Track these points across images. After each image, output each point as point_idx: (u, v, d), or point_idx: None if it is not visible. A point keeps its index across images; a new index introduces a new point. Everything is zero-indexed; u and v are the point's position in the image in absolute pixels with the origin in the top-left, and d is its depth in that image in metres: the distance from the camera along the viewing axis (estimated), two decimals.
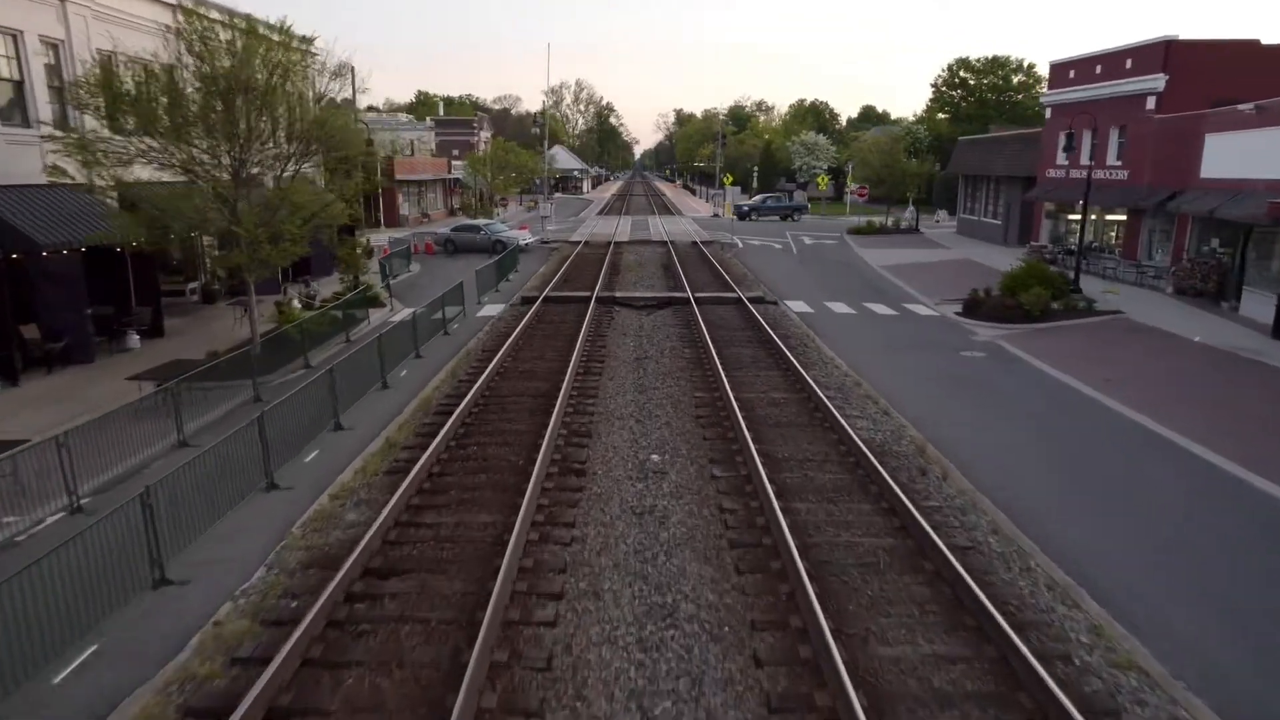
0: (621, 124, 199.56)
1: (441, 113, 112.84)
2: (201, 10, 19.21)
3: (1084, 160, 35.41)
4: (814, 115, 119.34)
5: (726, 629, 8.32)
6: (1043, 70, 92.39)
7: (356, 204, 24.82)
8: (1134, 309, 26.28)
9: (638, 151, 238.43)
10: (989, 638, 8.04)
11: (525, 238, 43.63)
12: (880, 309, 27.03)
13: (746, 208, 67.29)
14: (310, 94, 21.37)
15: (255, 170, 20.35)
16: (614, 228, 54.54)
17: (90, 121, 18.50)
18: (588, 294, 27.06)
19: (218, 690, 7.33)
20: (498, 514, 10.80)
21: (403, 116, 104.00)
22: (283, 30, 19.80)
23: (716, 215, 69.23)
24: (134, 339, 21.58)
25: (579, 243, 44.85)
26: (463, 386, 17.06)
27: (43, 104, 19.72)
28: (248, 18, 19.63)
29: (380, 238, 47.88)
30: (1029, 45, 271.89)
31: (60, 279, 19.60)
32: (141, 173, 18.89)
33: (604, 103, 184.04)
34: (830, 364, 19.15)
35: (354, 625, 8.29)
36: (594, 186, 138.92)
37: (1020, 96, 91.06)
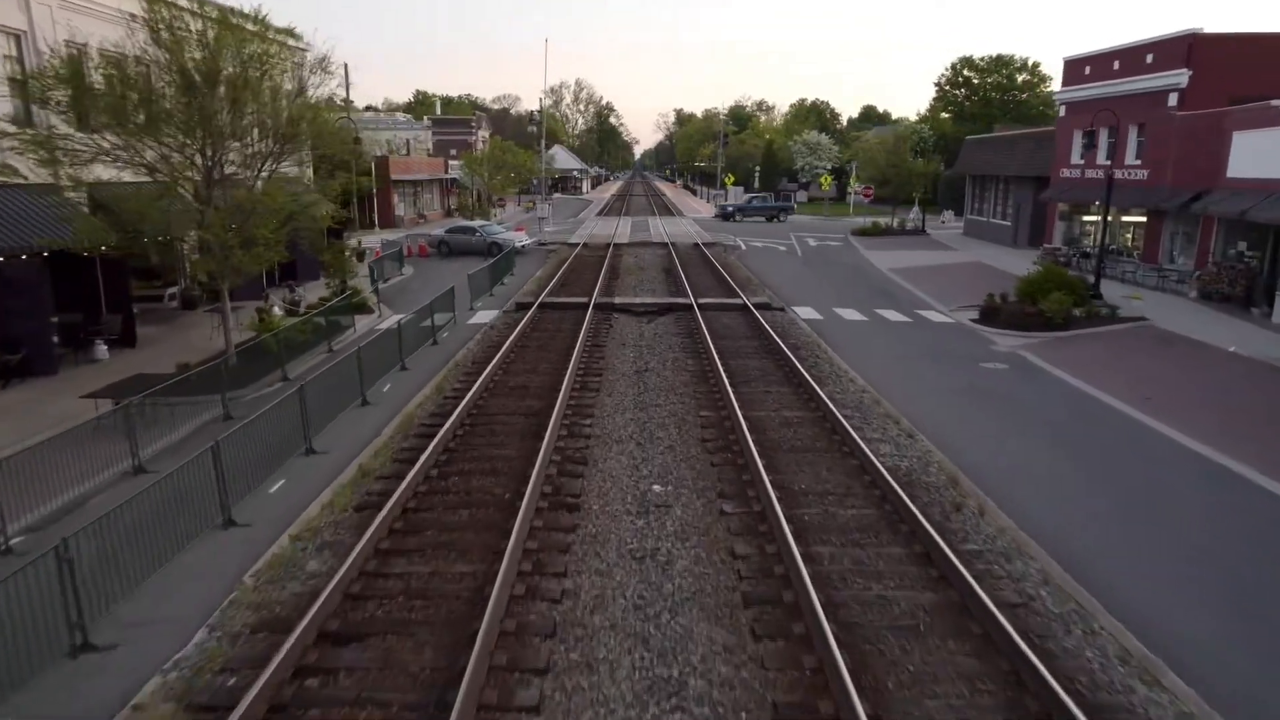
0: (621, 124, 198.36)
1: (439, 112, 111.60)
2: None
3: (1101, 159, 34.16)
4: (815, 115, 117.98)
5: (744, 715, 7.00)
6: (1048, 69, 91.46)
7: (341, 206, 23.59)
8: (1159, 315, 24.97)
9: (638, 151, 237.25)
10: None
11: (522, 240, 42.33)
12: (892, 315, 25.72)
13: (731, 208, 65.61)
14: (289, 89, 20.06)
15: (232, 170, 19.09)
16: (613, 229, 53.23)
17: (53, 117, 17.20)
18: (585, 300, 25.75)
19: None
20: (478, 562, 9.49)
21: (400, 116, 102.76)
22: (258, 21, 18.51)
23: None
24: (102, 349, 20.25)
25: (577, 245, 43.53)
26: (448, 404, 15.74)
27: (1, 99, 18.41)
28: (219, 7, 18.33)
29: (373, 239, 46.63)
30: (1027, 43, 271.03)
31: (19, 285, 18.27)
32: (105, 172, 17.60)
33: (604, 102, 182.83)
34: (844, 377, 17.84)
35: (301, 710, 6.98)
36: (593, 187, 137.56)
37: (1025, 96, 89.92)
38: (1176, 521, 10.97)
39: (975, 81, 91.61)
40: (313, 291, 28.55)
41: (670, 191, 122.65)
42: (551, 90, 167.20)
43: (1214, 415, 15.40)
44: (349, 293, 25.54)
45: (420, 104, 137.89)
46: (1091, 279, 27.12)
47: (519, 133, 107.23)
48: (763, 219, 63.26)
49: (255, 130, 18.67)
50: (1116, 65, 33.92)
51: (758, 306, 25.07)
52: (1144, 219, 33.15)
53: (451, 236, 42.22)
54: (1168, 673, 7.53)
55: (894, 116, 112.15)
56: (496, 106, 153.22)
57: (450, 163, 72.56)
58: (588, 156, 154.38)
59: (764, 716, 6.98)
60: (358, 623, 8.30)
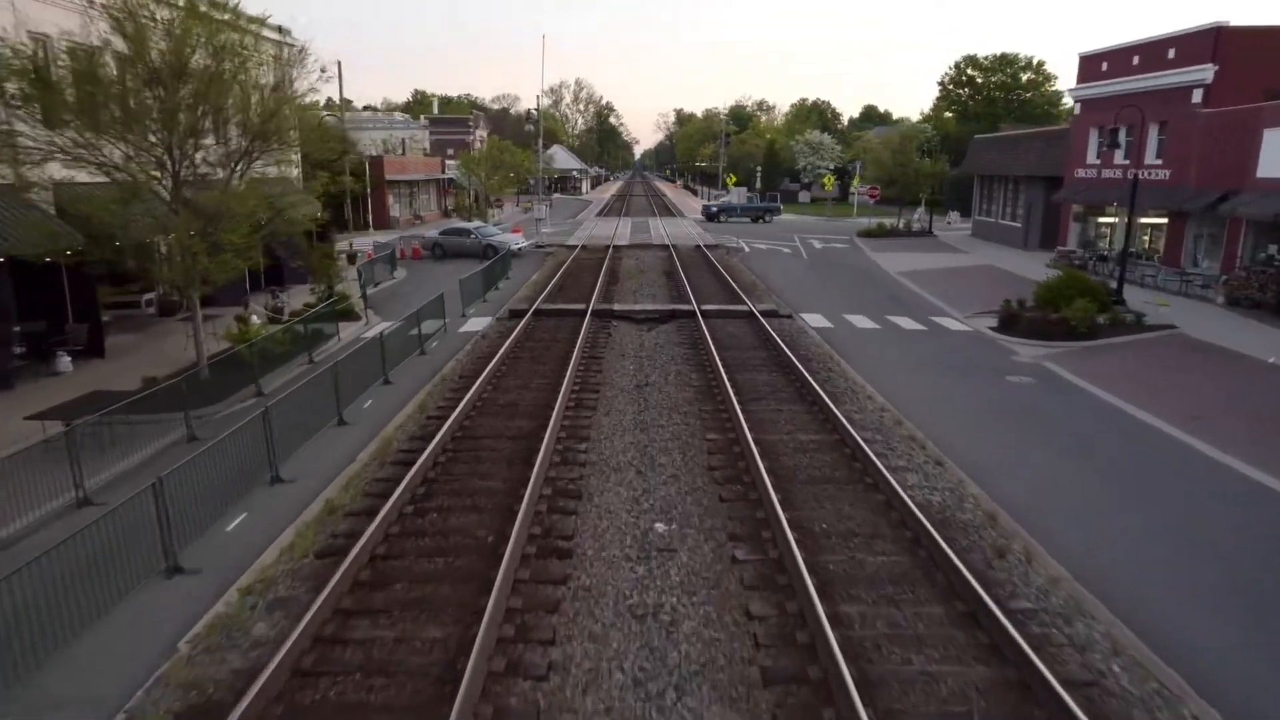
0: (621, 124, 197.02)
1: (436, 111, 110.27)
2: None
3: (1119, 159, 32.87)
4: (816, 115, 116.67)
5: None
6: (1051, 68, 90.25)
7: (336, 207, 22.27)
8: (1186, 323, 23.66)
9: (638, 151, 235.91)
10: None
11: (518, 241, 41.01)
12: (905, 323, 24.42)
13: (715, 208, 63.85)
14: (265, 82, 18.76)
15: (205, 171, 17.79)
16: (613, 230, 51.91)
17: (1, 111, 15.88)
18: (583, 306, 24.45)
19: None
20: (452, 624, 8.18)
21: (398, 116, 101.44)
22: (229, 9, 17.21)
23: None
24: (65, 361, 18.92)
25: (576, 247, 42.22)
26: (431, 425, 14.44)
27: None
28: None
29: (366, 241, 45.32)
30: (1028, 43, 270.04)
31: None
32: (66, 173, 16.30)
33: (604, 102, 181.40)
34: (860, 393, 16.53)
35: None
36: (593, 187, 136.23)
37: (1029, 95, 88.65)
38: (1262, 572, 9.62)
39: (979, 81, 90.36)
40: (299, 297, 27.23)
41: (671, 192, 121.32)
42: (551, 90, 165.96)
43: (1269, 439, 14.07)
44: (335, 298, 24.23)
45: (418, 103, 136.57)
46: (1113, 284, 25.85)
47: (518, 132, 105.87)
48: (748, 220, 61.39)
49: (226, 127, 17.35)
50: (1136, 60, 32.61)
51: (764, 314, 23.77)
52: (1163, 220, 31.87)
53: (446, 239, 40.91)
54: None
55: (895, 116, 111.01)
56: (496, 106, 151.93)
57: (447, 163, 71.24)
58: (587, 156, 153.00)
59: None
60: (305, 707, 6.99)
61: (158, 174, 16.72)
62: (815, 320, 24.41)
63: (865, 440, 13.16)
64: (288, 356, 20.11)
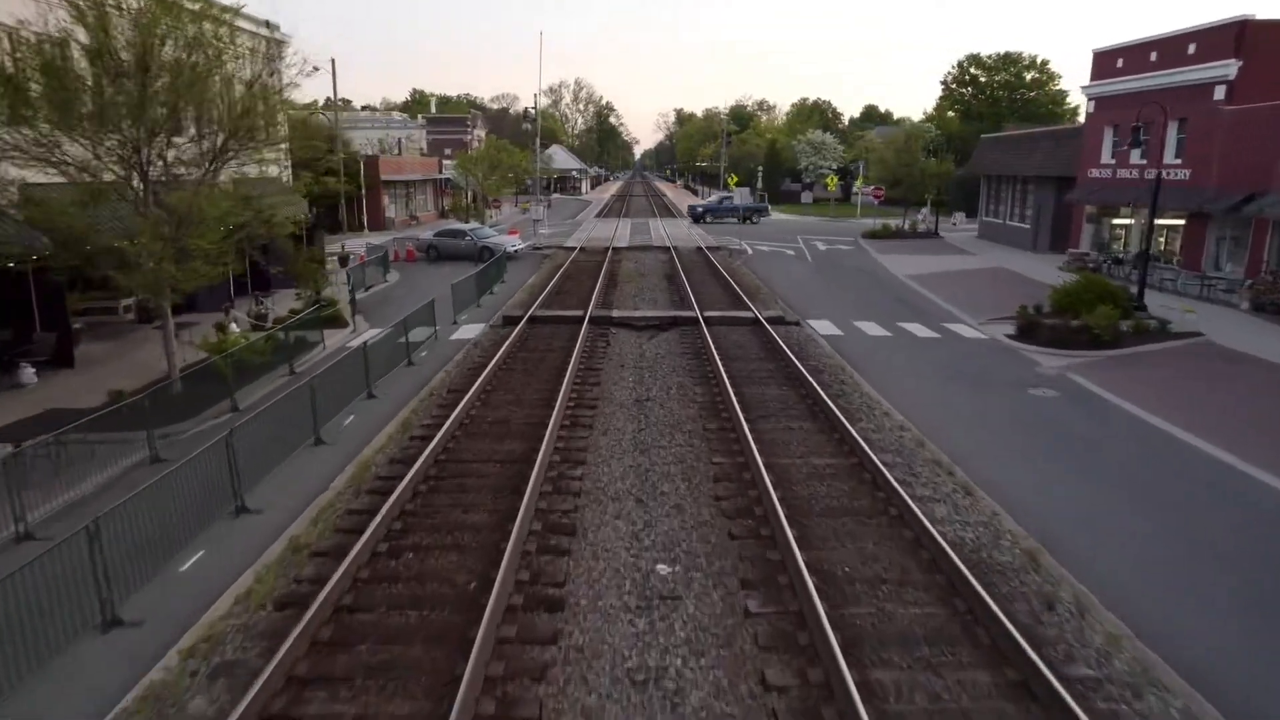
0: (621, 124, 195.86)
1: (434, 110, 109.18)
2: None
3: (1135, 158, 31.76)
4: (817, 114, 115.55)
5: None
6: (1055, 67, 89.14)
7: (328, 209, 21.15)
8: (1213, 330, 22.53)
9: (638, 151, 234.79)
10: None
11: (515, 243, 39.85)
12: (918, 330, 23.29)
13: (700, 209, 62.40)
14: (243, 76, 17.63)
15: (181, 171, 16.67)
16: (612, 231, 50.77)
17: None
18: (580, 313, 23.33)
19: None
20: (423, 698, 7.05)
21: (396, 115, 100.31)
22: None
23: None
24: (28, 373, 17.78)
25: (574, 248, 41.09)
26: (414, 447, 13.31)
27: None
28: None
29: (358, 243, 44.22)
30: (1028, 42, 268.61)
31: None
32: (16, 173, 15.20)
33: (603, 102, 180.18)
34: (876, 409, 15.40)
35: None
36: (593, 187, 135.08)
37: (1034, 94, 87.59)
38: None
39: (982, 80, 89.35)
40: (285, 302, 26.10)
41: (671, 192, 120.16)
42: (551, 90, 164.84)
43: None
44: (315, 306, 23.10)
45: (416, 103, 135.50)
46: (1132, 288, 24.74)
47: (517, 132, 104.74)
48: (735, 220, 59.88)
49: (199, 124, 16.23)
50: (1154, 57, 31.48)
51: (770, 320, 22.65)
52: (1180, 221, 30.75)
53: (440, 240, 39.77)
54: None
55: (895, 116, 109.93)
56: (495, 106, 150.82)
57: (444, 162, 70.10)
58: (587, 156, 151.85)
59: None
60: None
61: (124, 174, 15.62)
62: (824, 327, 23.29)
63: (886, 465, 12.05)
64: (268, 367, 18.98)
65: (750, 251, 41.82)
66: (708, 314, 23.18)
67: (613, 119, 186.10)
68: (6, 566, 7.97)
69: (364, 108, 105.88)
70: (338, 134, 47.35)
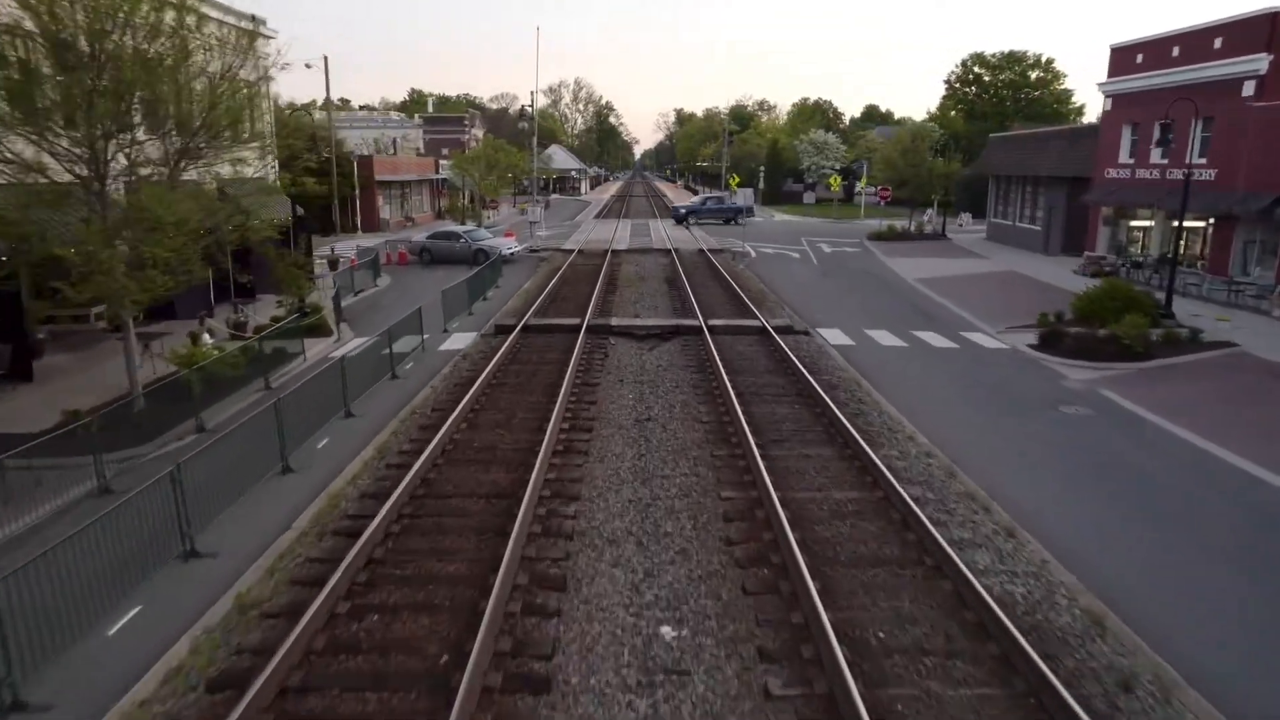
0: (621, 123, 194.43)
1: (431, 110, 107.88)
2: None
3: (1156, 158, 30.47)
4: (818, 114, 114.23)
5: None
6: (1061, 65, 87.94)
7: (310, 210, 19.84)
8: (1247, 340, 21.25)
9: (638, 151, 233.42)
10: None
11: (510, 246, 38.55)
12: (934, 339, 21.99)
13: (684, 210, 60.83)
14: (214, 69, 16.34)
15: (149, 171, 15.37)
16: (612, 233, 49.45)
17: None
18: (577, 321, 22.02)
19: None
20: None
21: (394, 115, 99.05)
22: None
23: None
24: None
25: (572, 251, 39.78)
26: (390, 477, 12.00)
27: None
28: None
29: (349, 245, 42.97)
30: (1028, 42, 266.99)
31: None
32: None
33: (603, 102, 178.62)
34: (900, 432, 14.08)
35: None
36: (592, 187, 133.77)
37: (1038, 93, 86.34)
38: None
39: (987, 79, 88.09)
40: (267, 309, 24.79)
41: (671, 192, 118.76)
42: (550, 89, 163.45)
43: None
44: (296, 314, 21.80)
45: (414, 102, 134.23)
46: (1155, 294, 23.44)
47: (516, 132, 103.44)
48: (719, 221, 58.16)
49: (158, 119, 14.94)
50: (1176, 52, 30.17)
51: (778, 330, 21.33)
52: (1203, 224, 29.44)
53: (434, 243, 38.45)
54: None
55: (896, 116, 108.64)
56: (495, 106, 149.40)
57: (441, 162, 68.78)
58: (587, 156, 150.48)
59: None
60: None
61: (85, 174, 14.34)
62: (834, 336, 21.98)
63: (916, 499, 10.75)
64: (241, 381, 17.70)
65: (753, 254, 40.52)
66: (712, 322, 21.86)
67: (612, 119, 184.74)
68: None
69: (362, 107, 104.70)
70: (325, 132, 46.07)
